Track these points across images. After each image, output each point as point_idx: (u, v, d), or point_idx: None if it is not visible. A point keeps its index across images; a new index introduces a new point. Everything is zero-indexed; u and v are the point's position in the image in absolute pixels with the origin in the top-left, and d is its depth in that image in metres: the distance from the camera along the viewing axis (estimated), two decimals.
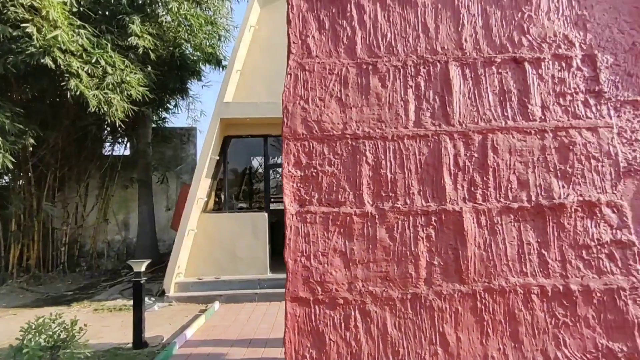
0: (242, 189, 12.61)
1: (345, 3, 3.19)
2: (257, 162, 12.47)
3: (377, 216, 2.89)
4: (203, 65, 11.58)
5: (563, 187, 2.94)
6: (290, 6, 3.19)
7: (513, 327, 2.76)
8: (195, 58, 11.32)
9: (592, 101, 3.08)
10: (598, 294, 2.79)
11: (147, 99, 9.13)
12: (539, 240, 2.87)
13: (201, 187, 8.51)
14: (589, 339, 2.74)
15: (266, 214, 8.89)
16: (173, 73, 10.83)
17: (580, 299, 2.78)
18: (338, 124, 3.01)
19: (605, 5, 3.24)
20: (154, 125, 12.53)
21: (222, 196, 9.57)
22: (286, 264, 2.84)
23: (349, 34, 3.16)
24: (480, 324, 2.76)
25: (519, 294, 2.79)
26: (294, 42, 3.14)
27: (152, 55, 9.29)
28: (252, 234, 8.61)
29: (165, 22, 9.87)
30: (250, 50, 9.02)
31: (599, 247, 2.86)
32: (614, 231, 2.89)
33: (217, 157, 8.92)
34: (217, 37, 11.64)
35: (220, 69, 11.63)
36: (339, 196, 2.91)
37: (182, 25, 10.25)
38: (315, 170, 2.94)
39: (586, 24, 3.19)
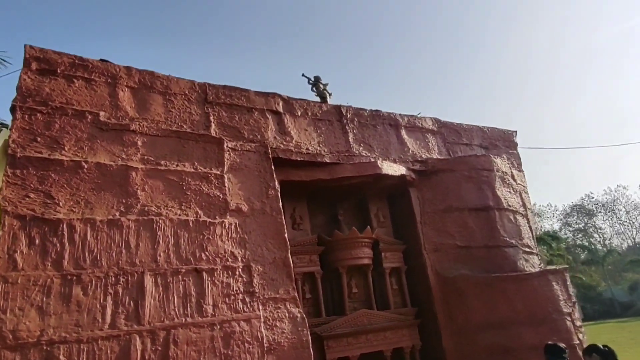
0: None
1: (57, 224, 3.90)
2: None
3: None
4: None
5: None
6: (2, 225, 3.70)
7: None
8: None
9: (247, 299, 4.45)
10: None
11: None
12: None
13: None
14: None
15: None
16: None
17: None
18: (35, 331, 3.44)
19: (259, 232, 4.91)
20: None
21: None
22: None
23: (58, 249, 3.82)
24: None
25: None
26: (0, 257, 3.58)
27: None
28: None
29: None
30: None
31: None
32: None
33: None
34: None
35: None
36: None
37: None
38: None
39: (246, 244, 4.74)
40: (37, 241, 3.77)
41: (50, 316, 3.54)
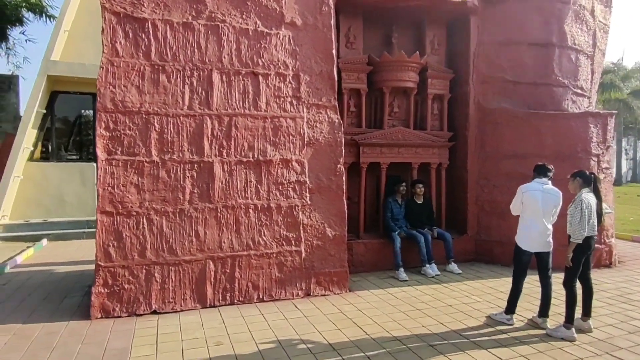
0: (71, 140, 12.88)
1: (144, 22, 4.80)
2: (87, 115, 12.85)
3: (160, 163, 4.73)
4: (26, 12, 11.34)
5: (273, 150, 5.20)
6: (104, 19, 4.67)
7: (237, 226, 4.98)
8: (15, 3, 11.04)
9: (294, 102, 5.37)
10: (284, 209, 5.19)
11: None
12: (257, 179, 5.10)
13: (27, 137, 9.04)
14: (276, 231, 5.13)
15: (95, 164, 9.85)
16: None
17: (274, 211, 5.14)
18: (136, 103, 4.70)
19: (309, 45, 5.51)
20: None
21: (50, 146, 10.11)
22: (97, 191, 4.51)
23: (147, 43, 4.80)
24: (219, 225, 4.90)
25: (242, 208, 5.01)
26: (105, 45, 4.65)
27: None
28: (80, 182, 9.55)
29: None
30: (79, 12, 9.57)
31: (289, 184, 5.24)
32: (297, 175, 5.29)
33: (44, 111, 9.45)
34: None
35: (46, 18, 11.56)
36: (135, 150, 4.66)
37: None
38: (119, 133, 4.61)
39: (297, 55, 5.43)
40: (130, 35, 4.75)
41: (146, 94, 4.74)
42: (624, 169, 32.93)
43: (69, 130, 12.83)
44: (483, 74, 6.92)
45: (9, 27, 11.40)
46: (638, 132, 34.69)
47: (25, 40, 12.04)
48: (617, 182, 29.40)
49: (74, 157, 12.66)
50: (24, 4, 11.09)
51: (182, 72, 4.90)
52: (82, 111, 12.78)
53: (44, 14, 11.51)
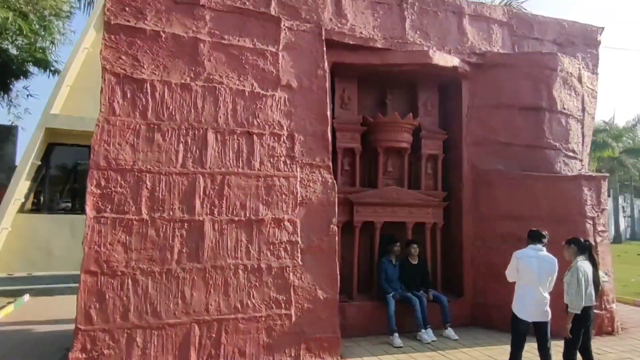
0: (64, 191, 12.82)
1: (143, 82, 4.90)
2: (82, 167, 12.89)
3: (149, 221, 4.65)
4: (30, 67, 11.70)
5: (265, 209, 5.14)
6: (104, 80, 4.77)
7: (225, 287, 4.82)
8: (21, 59, 11.40)
9: (288, 161, 5.39)
10: (275, 269, 5.04)
11: None
12: (248, 239, 5.00)
13: (20, 188, 8.99)
14: (266, 293, 4.96)
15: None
16: None
17: (265, 271, 4.99)
18: (129, 161, 4.70)
19: (304, 107, 5.61)
20: None
21: (42, 198, 10.04)
22: (84, 250, 4.39)
23: (144, 102, 4.88)
24: (206, 286, 4.74)
25: (231, 269, 4.86)
26: (103, 104, 4.72)
27: None
28: (69, 235, 9.38)
29: None
30: (83, 67, 9.88)
31: (280, 244, 5.13)
32: (289, 235, 5.20)
33: (39, 162, 9.48)
34: (51, 40, 11.90)
35: (50, 73, 11.91)
36: (125, 208, 4.59)
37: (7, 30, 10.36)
38: (109, 190, 4.57)
39: (292, 116, 5.52)
40: (128, 95, 4.83)
41: (140, 152, 4.75)
42: (622, 226, 32.90)
43: (65, 178, 12.74)
44: (476, 136, 7.04)
45: (13, 80, 11.70)
46: (634, 190, 35.03)
47: (27, 96, 12.35)
48: (617, 239, 29.27)
49: (68, 204, 12.46)
50: (30, 59, 11.46)
51: (177, 131, 4.95)
52: (79, 161, 12.85)
53: (48, 69, 11.86)
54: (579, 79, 7.40)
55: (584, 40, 7.90)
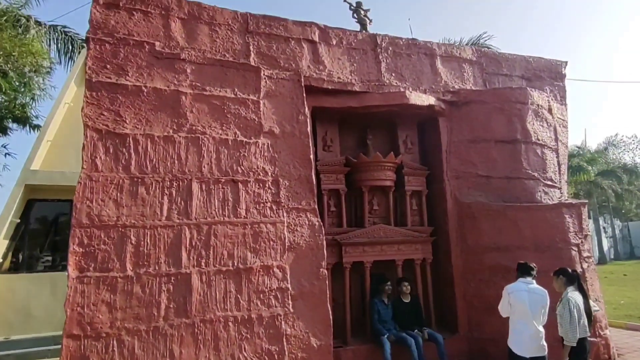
0: (45, 245, 12.41)
1: (125, 137, 4.92)
2: (63, 219, 12.57)
3: (134, 278, 4.53)
4: (9, 123, 11.60)
5: (253, 257, 5.08)
6: (85, 136, 4.77)
7: (216, 342, 4.66)
8: (0, 115, 11.32)
9: (274, 207, 5.39)
10: (266, 319, 4.92)
11: None
12: (237, 289, 4.90)
13: None
14: (258, 344, 4.81)
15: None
16: None
17: (255, 322, 4.87)
18: (112, 217, 4.63)
19: (288, 152, 5.69)
20: None
21: (20, 256, 9.69)
22: (66, 312, 4.22)
23: (127, 157, 4.87)
24: (195, 341, 4.58)
25: (221, 322, 4.73)
26: (85, 161, 4.69)
27: None
28: (50, 293, 9.01)
29: None
30: (63, 123, 9.86)
31: (270, 292, 5.04)
32: (279, 282, 5.12)
33: (18, 220, 9.23)
34: (31, 97, 11.88)
35: (30, 129, 11.82)
36: (109, 265, 4.48)
37: None
38: (93, 248, 4.46)
39: (276, 162, 5.57)
40: (111, 150, 4.83)
41: (123, 207, 4.69)
42: (605, 247, 33.32)
43: (46, 232, 12.33)
44: (457, 170, 7.18)
45: None
46: (612, 210, 35.76)
47: (5, 155, 12.04)
48: (602, 260, 29.56)
49: (48, 259, 11.99)
50: (9, 116, 11.38)
51: (161, 183, 4.92)
52: (61, 212, 12.53)
53: (28, 125, 11.78)
54: (549, 111, 7.71)
55: (550, 74, 8.29)
